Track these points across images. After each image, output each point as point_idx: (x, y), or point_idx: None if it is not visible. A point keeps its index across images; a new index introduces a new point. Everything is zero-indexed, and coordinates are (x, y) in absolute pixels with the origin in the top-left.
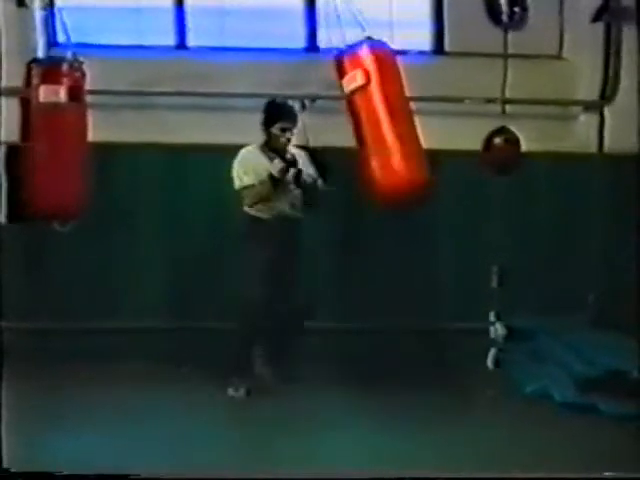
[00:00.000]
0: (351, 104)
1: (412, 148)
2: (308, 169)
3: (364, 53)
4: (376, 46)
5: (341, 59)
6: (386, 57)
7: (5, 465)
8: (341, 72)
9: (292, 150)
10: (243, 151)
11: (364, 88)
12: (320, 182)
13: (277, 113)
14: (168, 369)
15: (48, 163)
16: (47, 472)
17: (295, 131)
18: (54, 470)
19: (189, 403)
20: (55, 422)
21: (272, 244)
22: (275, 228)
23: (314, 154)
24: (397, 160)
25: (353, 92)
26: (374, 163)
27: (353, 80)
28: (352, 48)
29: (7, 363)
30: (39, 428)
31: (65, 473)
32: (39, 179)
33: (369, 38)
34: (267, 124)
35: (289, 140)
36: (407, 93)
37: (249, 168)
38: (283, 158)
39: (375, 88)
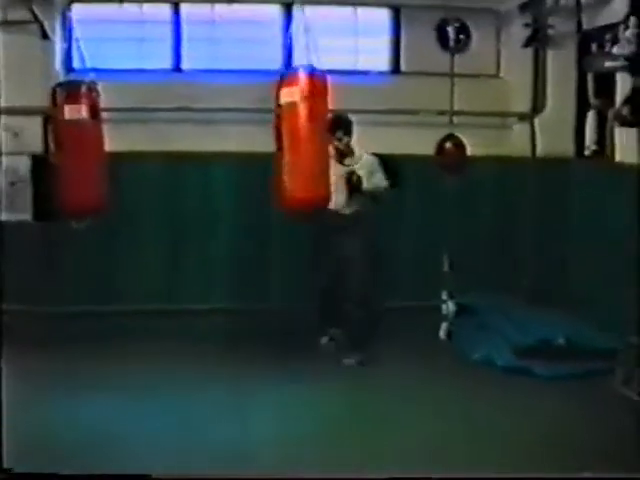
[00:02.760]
0: (280, 115)
1: (319, 167)
2: (376, 173)
3: (302, 76)
4: (312, 71)
5: (283, 78)
6: (319, 82)
7: (6, 465)
8: (280, 87)
9: (364, 156)
10: None
11: (295, 104)
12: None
13: (335, 124)
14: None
15: (72, 170)
16: (47, 472)
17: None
18: (54, 470)
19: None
20: (75, 392)
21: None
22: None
23: (385, 160)
24: (304, 175)
25: (285, 105)
26: (286, 171)
27: (290, 95)
28: (293, 70)
29: (27, 343)
30: (60, 396)
31: (65, 473)
32: (64, 184)
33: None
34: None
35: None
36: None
37: None
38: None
39: (303, 106)
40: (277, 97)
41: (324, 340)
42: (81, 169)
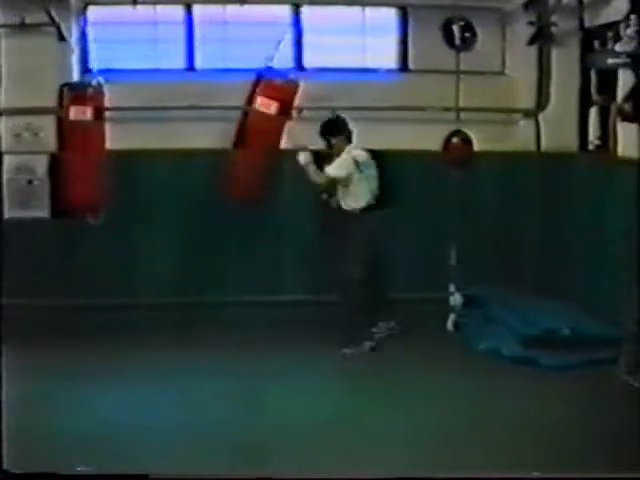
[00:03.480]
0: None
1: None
2: (366, 166)
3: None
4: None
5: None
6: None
7: (6, 464)
8: (254, 91)
9: (354, 152)
10: None
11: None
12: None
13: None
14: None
15: (75, 169)
16: (48, 472)
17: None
18: (54, 470)
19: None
20: (91, 379)
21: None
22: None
23: (375, 155)
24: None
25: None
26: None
27: (267, 107)
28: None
29: (45, 334)
30: (78, 384)
31: (65, 473)
32: (71, 182)
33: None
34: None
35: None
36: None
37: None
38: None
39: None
40: (250, 99)
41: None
42: (84, 168)
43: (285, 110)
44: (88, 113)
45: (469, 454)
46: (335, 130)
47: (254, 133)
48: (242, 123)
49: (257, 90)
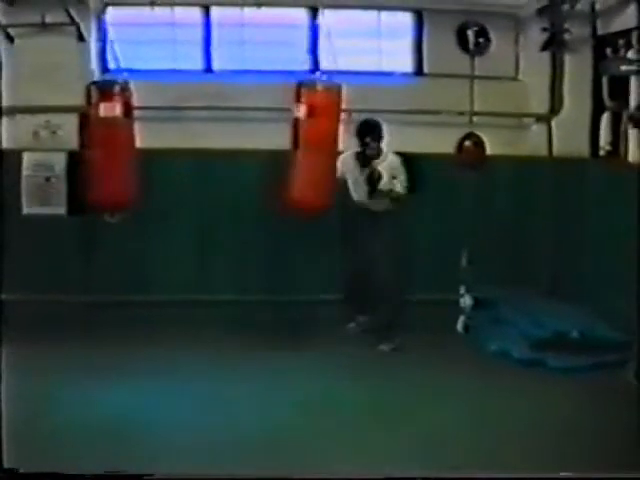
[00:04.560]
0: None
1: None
2: (399, 176)
3: (317, 89)
4: (328, 84)
5: (300, 86)
6: (333, 94)
7: (7, 464)
8: (297, 96)
9: (389, 156)
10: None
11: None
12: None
13: (362, 130)
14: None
15: (105, 166)
16: (48, 472)
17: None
18: (56, 470)
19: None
20: (104, 374)
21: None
22: (355, 215)
23: (408, 159)
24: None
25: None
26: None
27: (300, 111)
28: (309, 80)
29: (61, 330)
30: (92, 378)
31: (65, 473)
32: (97, 179)
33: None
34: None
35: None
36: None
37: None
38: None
39: (312, 123)
40: (296, 103)
41: (352, 325)
42: (113, 165)
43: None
44: (117, 110)
45: (472, 454)
46: (371, 131)
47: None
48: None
49: (302, 94)
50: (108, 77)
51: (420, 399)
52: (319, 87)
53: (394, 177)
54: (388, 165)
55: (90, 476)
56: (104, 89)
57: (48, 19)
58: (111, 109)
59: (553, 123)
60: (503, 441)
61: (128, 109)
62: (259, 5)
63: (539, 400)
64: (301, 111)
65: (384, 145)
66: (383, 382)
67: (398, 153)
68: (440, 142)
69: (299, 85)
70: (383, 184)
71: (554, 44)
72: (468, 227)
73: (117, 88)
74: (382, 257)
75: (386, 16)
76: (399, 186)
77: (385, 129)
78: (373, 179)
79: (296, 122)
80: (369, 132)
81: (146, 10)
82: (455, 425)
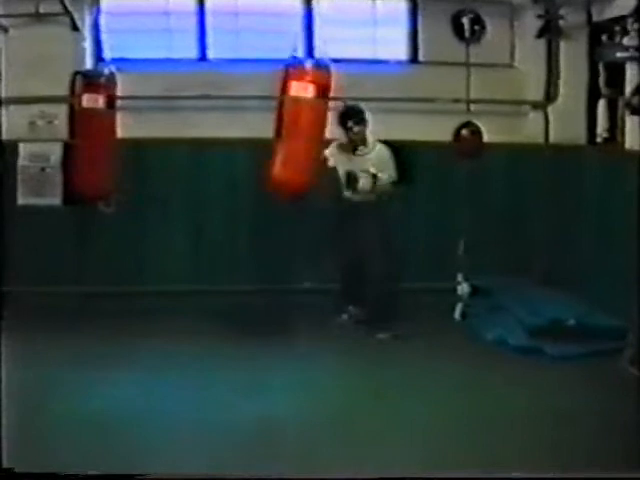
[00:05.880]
0: (284, 105)
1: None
2: (386, 170)
3: (313, 69)
4: (323, 65)
5: (290, 68)
6: (325, 76)
7: (6, 463)
8: (287, 78)
9: (378, 146)
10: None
11: (303, 99)
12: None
13: (345, 115)
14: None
15: (86, 156)
16: (48, 472)
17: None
18: (56, 470)
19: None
20: (106, 364)
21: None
22: (348, 206)
23: (397, 148)
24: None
25: (293, 98)
26: (276, 157)
27: (303, 90)
28: (301, 62)
29: (60, 320)
30: (95, 367)
31: (65, 473)
32: (82, 169)
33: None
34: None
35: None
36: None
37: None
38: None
39: (311, 103)
40: (284, 88)
41: (344, 317)
42: (95, 155)
43: (323, 94)
44: (100, 101)
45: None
46: (354, 115)
47: (296, 121)
48: (280, 113)
49: (289, 77)
50: (94, 68)
51: (413, 387)
52: (308, 68)
53: (381, 171)
54: (376, 157)
55: (83, 476)
56: (88, 80)
57: (42, 9)
58: (94, 101)
59: (549, 110)
60: (485, 431)
61: (112, 101)
62: None
63: (533, 387)
64: (292, 91)
65: (370, 134)
66: (382, 369)
67: (387, 143)
68: (436, 130)
69: (287, 67)
70: (362, 185)
71: (550, 31)
72: (465, 215)
73: (102, 79)
74: (374, 247)
75: (381, 4)
76: (385, 178)
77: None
78: (350, 181)
79: (281, 103)
80: (352, 117)
81: None
82: (453, 411)
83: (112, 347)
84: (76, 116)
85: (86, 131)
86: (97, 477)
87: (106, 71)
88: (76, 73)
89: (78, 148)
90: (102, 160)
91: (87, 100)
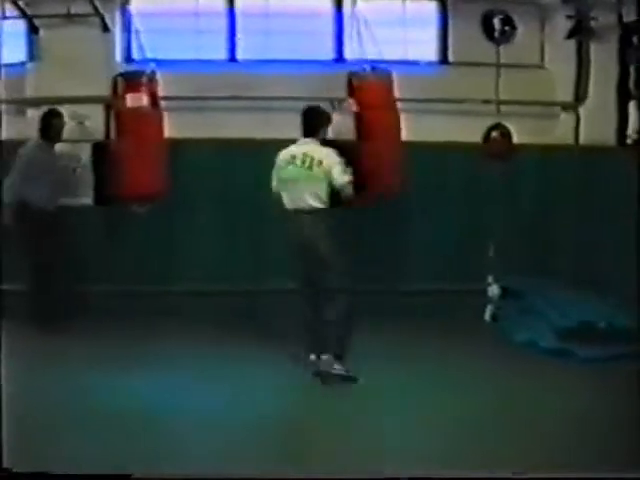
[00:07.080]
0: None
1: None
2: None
3: (369, 82)
4: (380, 75)
5: (351, 79)
6: (385, 85)
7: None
8: (350, 90)
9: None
10: None
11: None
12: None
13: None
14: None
15: (134, 157)
16: (48, 472)
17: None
18: (55, 470)
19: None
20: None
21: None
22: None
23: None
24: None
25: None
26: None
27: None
28: (361, 72)
29: (88, 319)
30: (123, 364)
31: (65, 473)
32: (126, 170)
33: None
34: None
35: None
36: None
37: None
38: None
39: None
40: (352, 94)
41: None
42: (143, 155)
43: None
44: (144, 100)
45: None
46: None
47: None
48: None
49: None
50: (134, 68)
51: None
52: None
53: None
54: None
55: (80, 476)
56: (131, 80)
57: (73, 10)
58: (138, 99)
59: (580, 111)
60: (511, 429)
61: (155, 99)
62: None
63: (562, 389)
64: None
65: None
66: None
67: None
68: (466, 131)
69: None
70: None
71: (580, 32)
72: (495, 217)
73: (144, 78)
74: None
75: (411, 5)
76: (339, 181)
77: (410, 118)
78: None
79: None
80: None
81: (170, 0)
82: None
83: (137, 346)
84: (120, 117)
85: (132, 131)
86: (96, 477)
87: (147, 70)
88: (118, 75)
89: (123, 149)
90: (150, 161)
91: (131, 100)
